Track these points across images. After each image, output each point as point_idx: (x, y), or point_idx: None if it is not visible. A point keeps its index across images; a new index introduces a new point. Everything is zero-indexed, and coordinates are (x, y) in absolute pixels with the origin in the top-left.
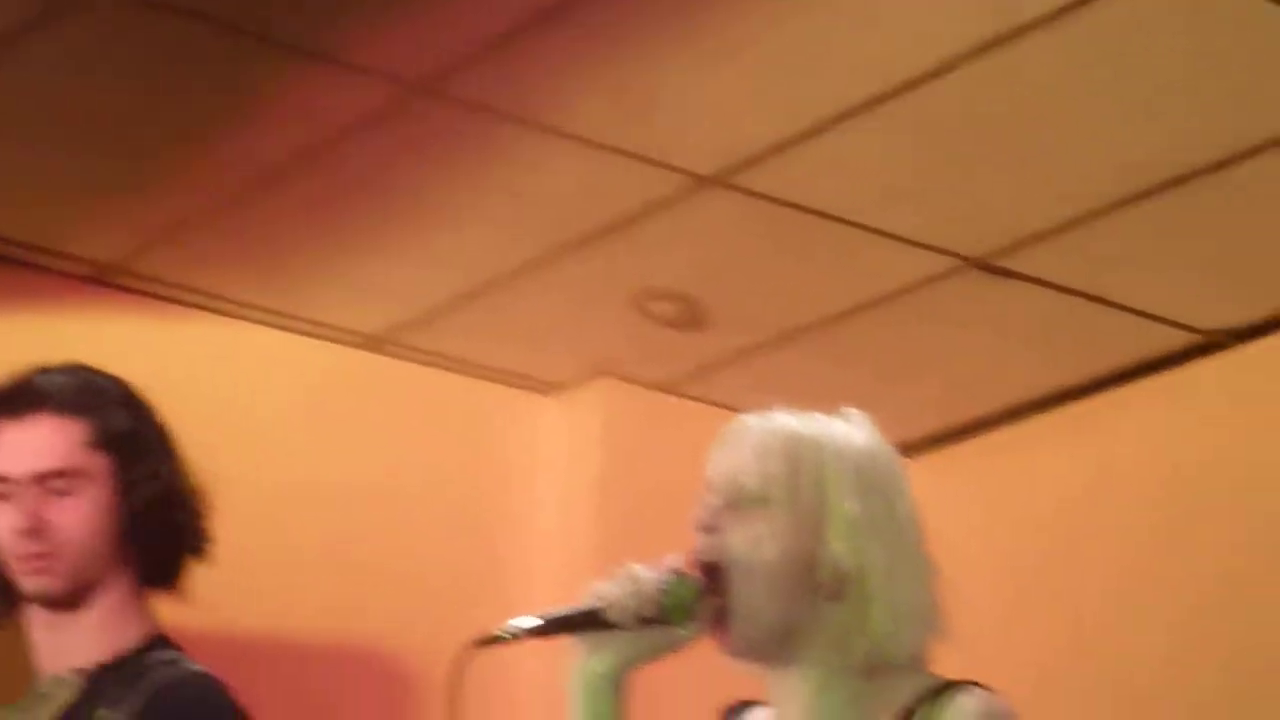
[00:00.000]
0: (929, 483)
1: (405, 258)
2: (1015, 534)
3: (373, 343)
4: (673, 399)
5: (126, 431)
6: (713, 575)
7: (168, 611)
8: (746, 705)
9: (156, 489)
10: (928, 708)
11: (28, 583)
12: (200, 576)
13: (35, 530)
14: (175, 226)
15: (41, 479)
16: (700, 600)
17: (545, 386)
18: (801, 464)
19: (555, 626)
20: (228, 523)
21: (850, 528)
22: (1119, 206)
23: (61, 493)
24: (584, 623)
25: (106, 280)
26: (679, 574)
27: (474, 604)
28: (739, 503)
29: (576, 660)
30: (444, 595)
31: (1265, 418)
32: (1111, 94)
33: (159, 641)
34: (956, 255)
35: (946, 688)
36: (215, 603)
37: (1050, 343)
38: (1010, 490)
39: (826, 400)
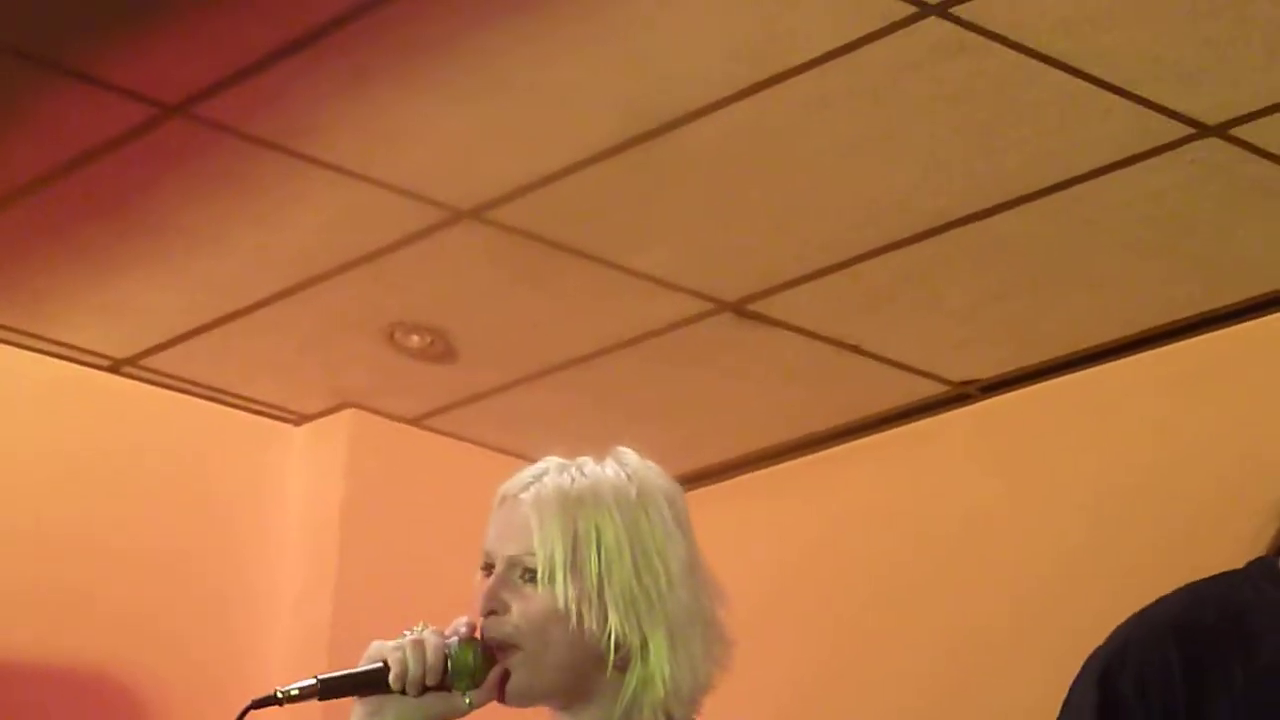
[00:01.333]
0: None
1: (154, 281)
2: (760, 577)
3: (117, 365)
4: (421, 432)
5: None
6: (501, 649)
7: None
8: None
9: None
10: None
11: None
12: None
13: None
14: None
15: None
16: (484, 669)
17: (293, 416)
18: (579, 538)
19: (335, 688)
20: None
21: (632, 601)
22: (873, 255)
23: None
24: (365, 685)
25: None
26: (465, 641)
27: (214, 633)
28: (520, 582)
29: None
30: (175, 630)
31: (1010, 469)
32: (867, 143)
33: None
34: (711, 299)
35: None
36: None
37: (802, 388)
38: (757, 534)
39: (577, 439)
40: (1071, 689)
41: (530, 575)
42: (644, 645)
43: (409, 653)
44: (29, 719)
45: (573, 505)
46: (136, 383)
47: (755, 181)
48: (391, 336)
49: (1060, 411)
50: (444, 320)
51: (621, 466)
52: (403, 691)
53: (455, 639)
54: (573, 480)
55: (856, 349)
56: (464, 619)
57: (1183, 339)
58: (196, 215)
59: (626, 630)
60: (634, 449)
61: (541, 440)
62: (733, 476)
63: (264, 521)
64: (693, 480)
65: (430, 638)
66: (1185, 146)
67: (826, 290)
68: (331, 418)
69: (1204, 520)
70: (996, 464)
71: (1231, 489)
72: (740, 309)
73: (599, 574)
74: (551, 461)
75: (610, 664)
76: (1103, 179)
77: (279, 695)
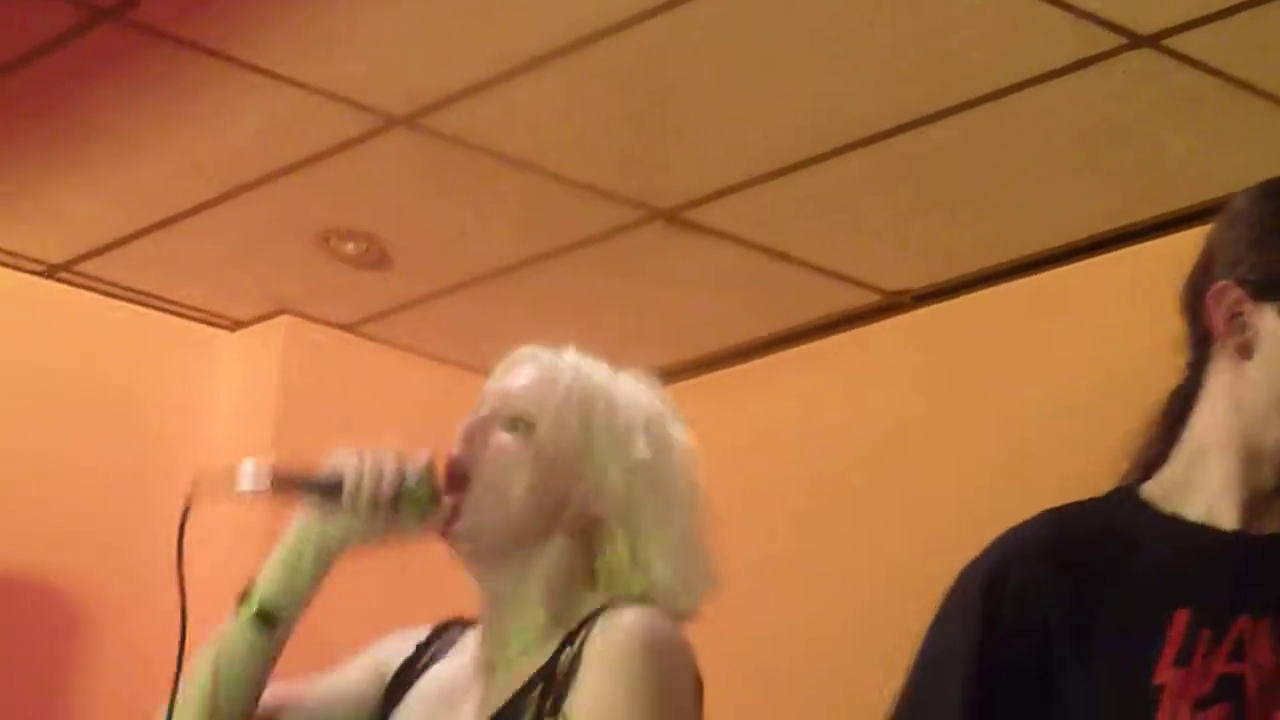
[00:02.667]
0: None
1: (88, 187)
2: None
3: (51, 271)
4: (354, 339)
5: None
6: (458, 482)
7: None
8: (458, 625)
9: None
10: (589, 624)
11: None
12: None
13: None
14: None
15: None
16: (435, 503)
17: (226, 322)
18: (575, 401)
19: (287, 485)
20: None
21: (604, 475)
22: (805, 165)
23: None
24: (318, 491)
25: None
26: (422, 471)
27: (145, 539)
28: (506, 421)
29: (298, 519)
30: (108, 531)
31: (940, 380)
32: (798, 51)
33: None
34: (643, 206)
35: (613, 604)
36: None
37: (734, 297)
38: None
39: (510, 347)
40: (945, 605)
41: (514, 424)
42: (610, 515)
43: (367, 471)
44: None
45: (579, 374)
46: (71, 288)
47: (686, 90)
48: (326, 242)
49: (990, 323)
50: (378, 227)
51: (617, 370)
52: (352, 510)
53: (413, 468)
54: (585, 363)
55: (787, 257)
56: (424, 450)
57: (1112, 250)
58: (130, 120)
59: (596, 487)
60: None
61: (475, 347)
62: (663, 385)
63: (197, 426)
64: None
65: (390, 460)
66: (1118, 57)
67: (758, 199)
68: (265, 324)
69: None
70: (927, 374)
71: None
72: (672, 217)
73: (585, 439)
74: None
75: (564, 528)
76: (1035, 89)
77: (236, 486)
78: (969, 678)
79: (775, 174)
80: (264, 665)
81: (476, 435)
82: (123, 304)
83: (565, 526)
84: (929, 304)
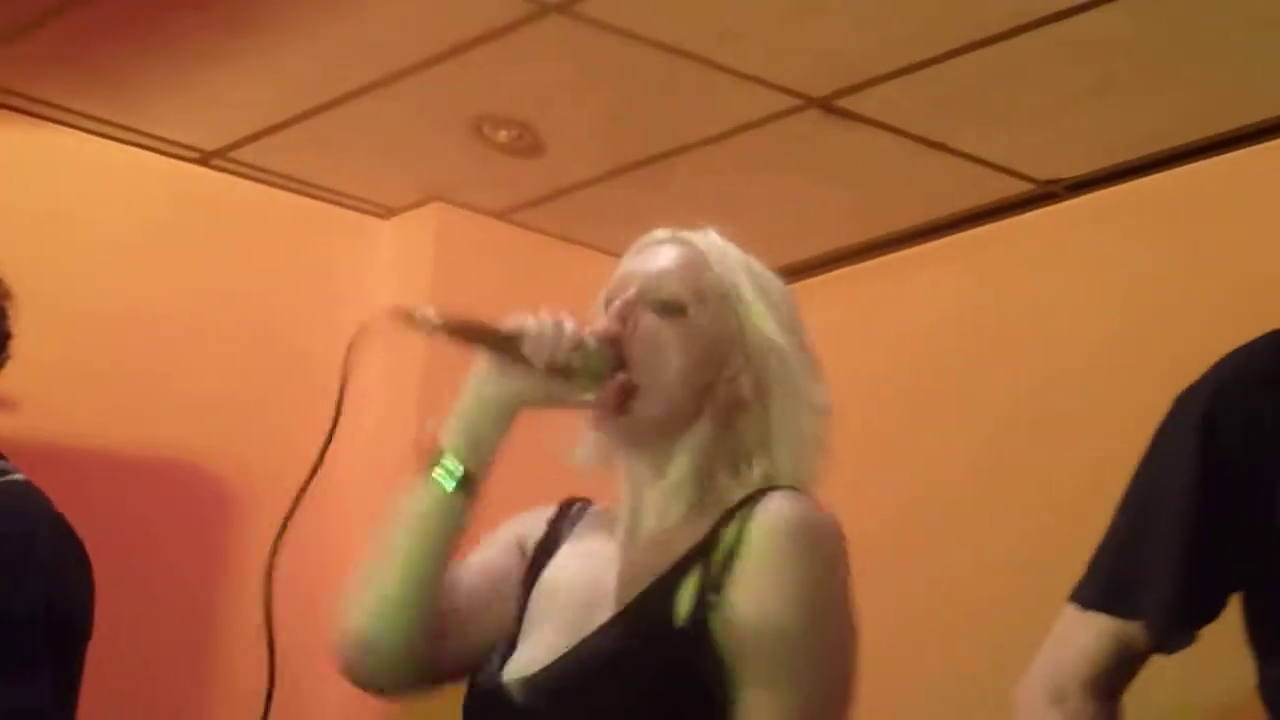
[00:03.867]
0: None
1: (244, 73)
2: (850, 371)
3: (207, 158)
4: (507, 226)
5: None
6: (621, 357)
7: None
8: (582, 503)
9: None
10: (747, 509)
11: None
12: (25, 386)
13: None
14: (8, 30)
15: None
16: (607, 373)
17: (380, 209)
18: (720, 283)
19: (470, 333)
20: (53, 335)
21: (757, 353)
22: (962, 51)
23: None
24: (499, 344)
25: None
26: (599, 341)
27: (295, 424)
28: (656, 304)
29: (475, 375)
30: (266, 415)
31: (1095, 269)
32: None
33: None
34: (798, 94)
35: (768, 490)
36: (38, 413)
37: (888, 186)
38: (839, 333)
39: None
40: (1161, 436)
41: (664, 307)
42: (759, 394)
43: (550, 331)
44: (115, 505)
45: (719, 257)
46: (226, 175)
47: None
48: (479, 130)
49: (1147, 212)
50: (531, 114)
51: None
52: (529, 364)
53: (593, 336)
54: (727, 247)
55: (942, 146)
56: (603, 322)
57: (1273, 139)
58: (284, 7)
59: (745, 366)
60: None
61: (626, 235)
62: (816, 275)
63: (350, 313)
64: (781, 276)
65: (570, 325)
66: None
67: (914, 87)
68: (419, 211)
69: None
70: (1081, 263)
71: None
72: (827, 105)
73: (733, 322)
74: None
75: (714, 411)
76: None
77: (414, 315)
78: (1187, 511)
79: (931, 61)
80: (461, 526)
81: (629, 317)
82: (277, 191)
83: (711, 409)
84: (1084, 193)
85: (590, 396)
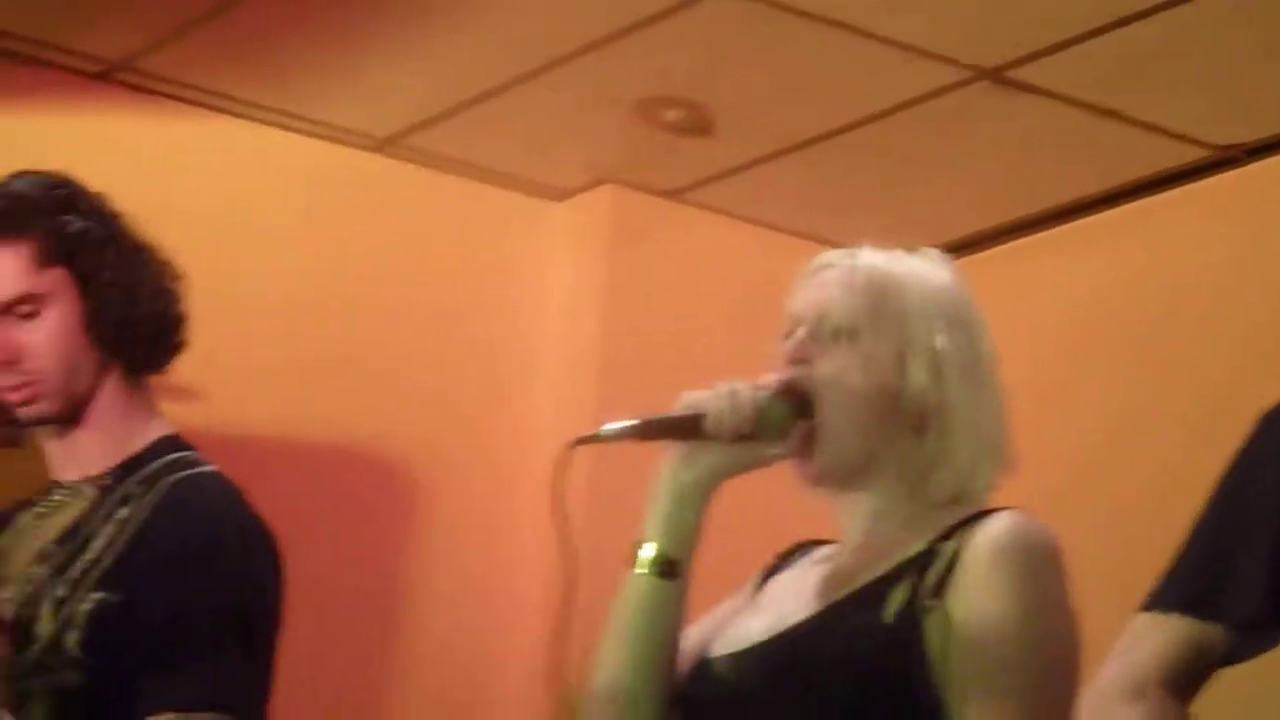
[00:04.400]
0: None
1: (414, 60)
2: (1022, 346)
3: (379, 145)
4: (678, 206)
5: (75, 235)
6: (803, 403)
7: (176, 411)
8: (809, 545)
9: (121, 285)
10: (965, 529)
11: (21, 412)
12: (205, 376)
13: (9, 361)
14: (183, 24)
15: (3, 310)
16: (791, 422)
17: (552, 192)
18: (887, 299)
19: (653, 430)
20: (231, 325)
21: (934, 362)
22: (1133, 19)
23: (28, 316)
24: (682, 429)
25: (113, 78)
26: (775, 394)
27: (475, 408)
28: (826, 336)
29: (667, 467)
30: (446, 399)
31: (1274, 235)
32: None
33: (169, 441)
34: (968, 66)
35: (991, 510)
36: (220, 403)
37: (1060, 156)
38: (1017, 302)
39: (833, 210)
40: (1248, 444)
41: (836, 334)
42: (944, 408)
43: (726, 402)
44: (297, 493)
45: (880, 270)
46: (399, 161)
47: None
48: (648, 111)
49: None
50: (700, 93)
51: (928, 259)
52: (716, 439)
53: (765, 392)
54: (885, 259)
55: (1115, 114)
56: (773, 375)
57: None
58: None
59: (929, 387)
60: (889, 219)
61: (798, 212)
62: (987, 248)
63: (528, 295)
64: (950, 250)
65: (744, 389)
66: None
67: (1085, 55)
68: (590, 193)
69: None
70: (1260, 229)
71: None
72: (998, 76)
73: (903, 333)
74: (864, 248)
75: (907, 422)
76: None
77: (600, 433)
78: (1274, 518)
79: (1103, 29)
80: (678, 617)
81: (803, 357)
82: (450, 176)
83: (901, 426)
84: (1262, 158)
85: (780, 450)
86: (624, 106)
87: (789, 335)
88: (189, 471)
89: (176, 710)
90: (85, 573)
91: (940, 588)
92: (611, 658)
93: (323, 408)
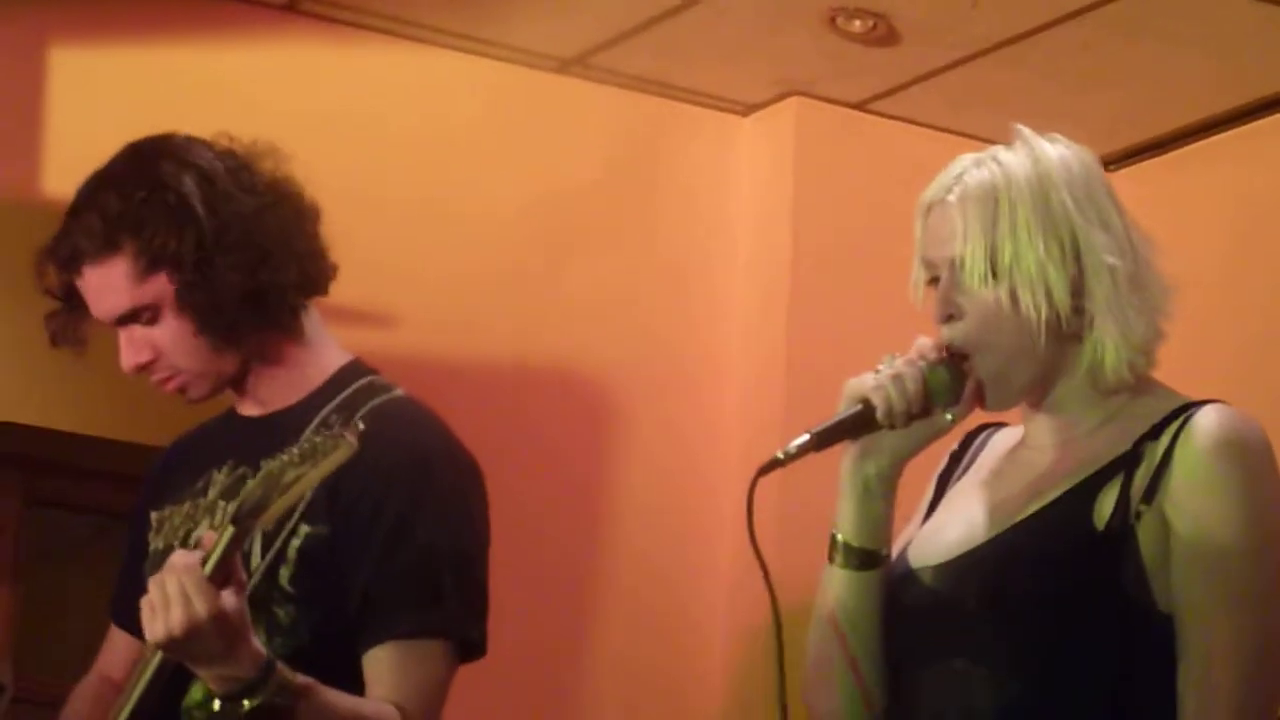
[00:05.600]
0: (1124, 196)
1: None
2: (1203, 249)
3: (564, 65)
4: (866, 117)
5: (164, 238)
6: (964, 357)
7: (365, 335)
8: (990, 427)
9: (211, 277)
10: (1174, 423)
11: (184, 399)
12: (397, 300)
13: (144, 366)
14: None
15: (125, 321)
16: (960, 384)
17: (738, 107)
18: (1004, 232)
19: (829, 437)
20: (421, 248)
21: (1080, 270)
22: None
23: (150, 322)
24: (854, 428)
25: (298, 8)
26: (936, 364)
27: (665, 327)
28: (965, 282)
29: (847, 463)
30: (635, 318)
31: None
32: None
33: (353, 367)
34: None
35: (1194, 404)
36: (410, 326)
37: (1253, 53)
38: (1200, 205)
39: (1023, 115)
40: None
41: (973, 275)
42: (1092, 311)
43: (891, 388)
44: (490, 415)
45: (992, 198)
46: (584, 81)
47: None
48: (833, 21)
49: None
50: (884, 3)
51: (1033, 149)
52: (890, 426)
53: (925, 362)
54: (990, 174)
55: None
56: (926, 340)
57: None
58: None
59: (1063, 304)
60: (1077, 122)
61: (988, 118)
62: (1178, 147)
63: (718, 211)
64: (1137, 152)
65: (905, 369)
66: None
67: None
68: (777, 106)
69: None
70: None
71: None
72: None
73: (1029, 260)
74: (966, 159)
75: (1063, 336)
76: None
77: (780, 457)
78: None
79: None
80: (880, 598)
81: (952, 313)
82: (635, 94)
83: (1068, 333)
84: None
85: (954, 415)
86: (810, 18)
87: (930, 282)
88: (385, 398)
89: (398, 638)
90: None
91: (1152, 491)
92: (826, 652)
93: (512, 330)
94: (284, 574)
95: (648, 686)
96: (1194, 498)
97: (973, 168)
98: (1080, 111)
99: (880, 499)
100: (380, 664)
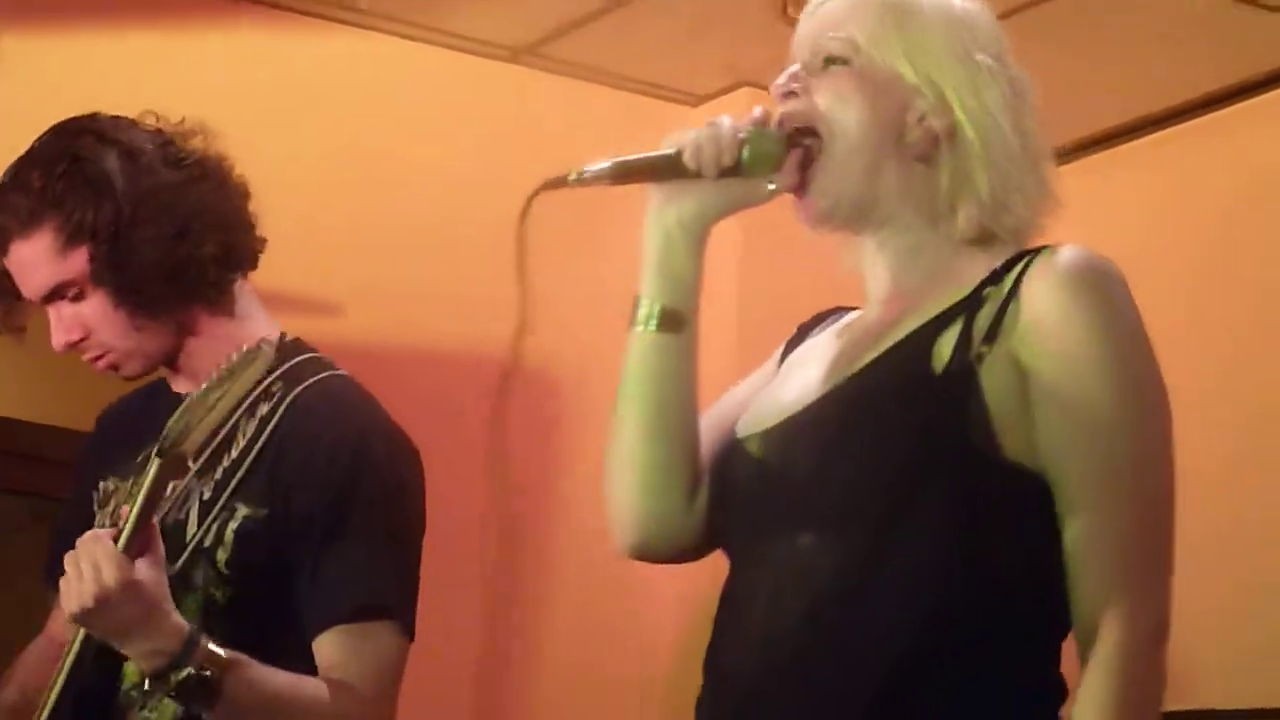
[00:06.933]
0: (1107, 178)
1: None
2: (1189, 229)
3: (514, 54)
4: None
5: (81, 218)
6: (798, 136)
7: (308, 323)
8: (840, 310)
9: (126, 249)
10: (1022, 263)
11: (117, 375)
12: (335, 291)
13: (75, 342)
14: None
15: (51, 298)
16: (783, 152)
17: (688, 98)
18: (887, 24)
19: (629, 171)
20: (363, 240)
21: (939, 87)
22: None
23: (76, 298)
24: (660, 169)
25: None
26: (762, 122)
27: (620, 318)
28: (822, 66)
29: (651, 209)
30: (588, 309)
31: None
32: None
33: (295, 343)
34: None
35: (1035, 251)
36: (345, 310)
37: (1202, 44)
38: (1183, 186)
39: None
40: None
41: (831, 61)
42: (954, 129)
43: (704, 134)
44: (427, 398)
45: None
46: (534, 70)
47: None
48: (784, 10)
49: None
50: None
51: None
52: (699, 175)
53: (750, 122)
54: None
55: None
56: (760, 108)
57: None
58: None
59: (932, 101)
60: (1065, 101)
61: None
62: (1159, 129)
63: None
64: (1121, 134)
65: (727, 121)
66: None
67: None
68: (728, 97)
69: None
70: None
71: None
72: None
73: (906, 58)
74: None
75: (912, 152)
76: None
77: (572, 177)
78: None
79: None
80: (687, 372)
81: (798, 90)
82: (585, 84)
83: (914, 151)
84: None
85: (775, 184)
86: (761, 7)
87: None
88: (324, 375)
89: (342, 622)
90: (228, 475)
91: (994, 331)
92: (623, 423)
93: (454, 316)
94: (220, 556)
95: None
96: (1052, 336)
97: None
98: (1053, 92)
99: (684, 253)
100: (330, 647)
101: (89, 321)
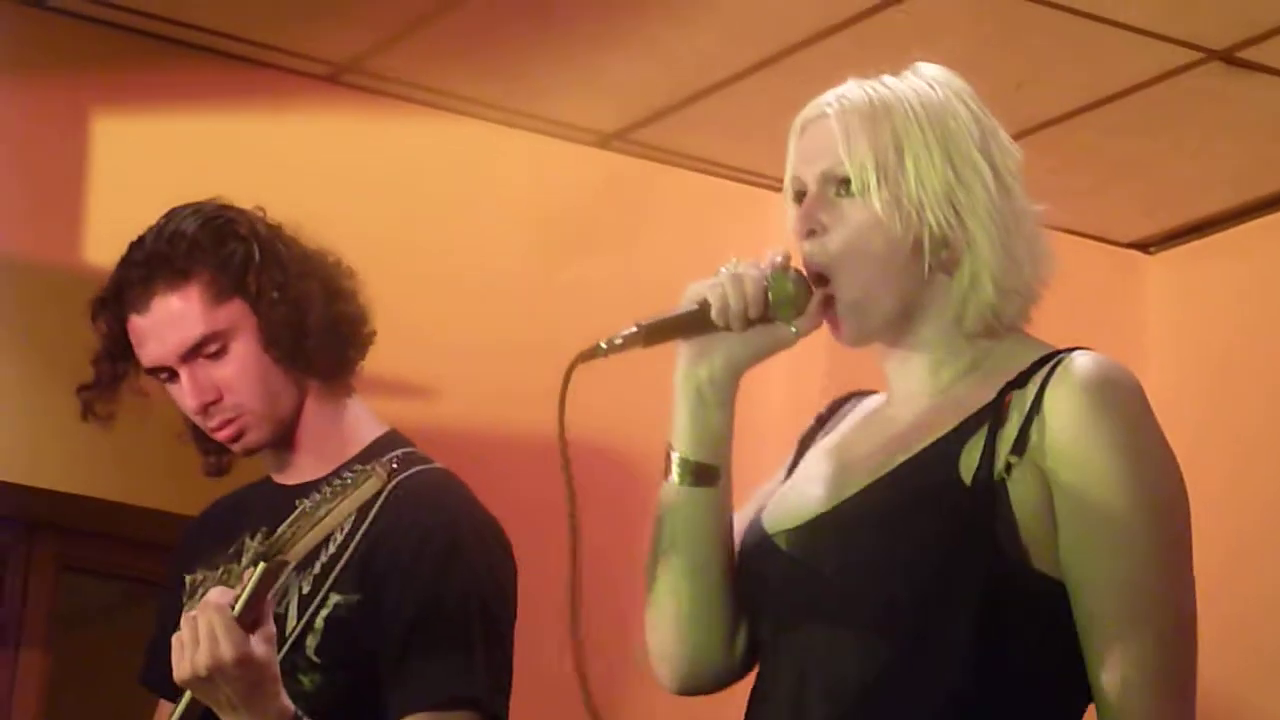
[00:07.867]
0: (1163, 279)
1: (638, 54)
2: (1244, 332)
3: (605, 140)
4: None
5: (239, 265)
6: (820, 273)
7: (401, 407)
8: (857, 395)
9: (290, 301)
10: (1045, 370)
11: (235, 447)
12: (432, 371)
13: (209, 404)
14: (410, 24)
15: (191, 355)
16: (806, 295)
17: (776, 183)
18: (888, 142)
19: (659, 332)
20: (459, 320)
21: (950, 194)
22: None
23: (216, 355)
24: (686, 326)
25: (341, 79)
26: (782, 268)
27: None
28: (835, 198)
29: (680, 368)
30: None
31: None
32: None
33: (389, 438)
34: (1198, 48)
35: (1061, 351)
36: (449, 397)
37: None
38: (1233, 291)
39: (1063, 195)
40: None
41: (844, 187)
42: (968, 241)
43: (728, 287)
44: (525, 489)
45: (878, 112)
46: (625, 156)
47: None
48: None
49: None
50: None
51: (922, 77)
52: (727, 328)
53: (771, 268)
54: (875, 90)
55: None
56: (775, 249)
57: None
58: None
59: (948, 223)
60: (1115, 206)
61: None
62: (1212, 233)
63: None
64: (1178, 235)
65: (747, 270)
66: None
67: None
68: None
69: None
70: None
71: None
72: (1229, 57)
73: (912, 173)
74: (849, 82)
75: (933, 265)
76: None
77: (603, 346)
78: None
79: None
80: (720, 519)
81: (815, 218)
82: (675, 169)
83: (936, 264)
84: None
85: (798, 329)
86: None
87: (795, 200)
88: (419, 468)
89: (429, 710)
90: (326, 569)
91: (1022, 443)
92: (657, 579)
93: (551, 403)
94: (310, 643)
95: None
96: (1071, 453)
97: (855, 87)
98: (1109, 196)
99: (715, 408)
100: None
101: (227, 381)
